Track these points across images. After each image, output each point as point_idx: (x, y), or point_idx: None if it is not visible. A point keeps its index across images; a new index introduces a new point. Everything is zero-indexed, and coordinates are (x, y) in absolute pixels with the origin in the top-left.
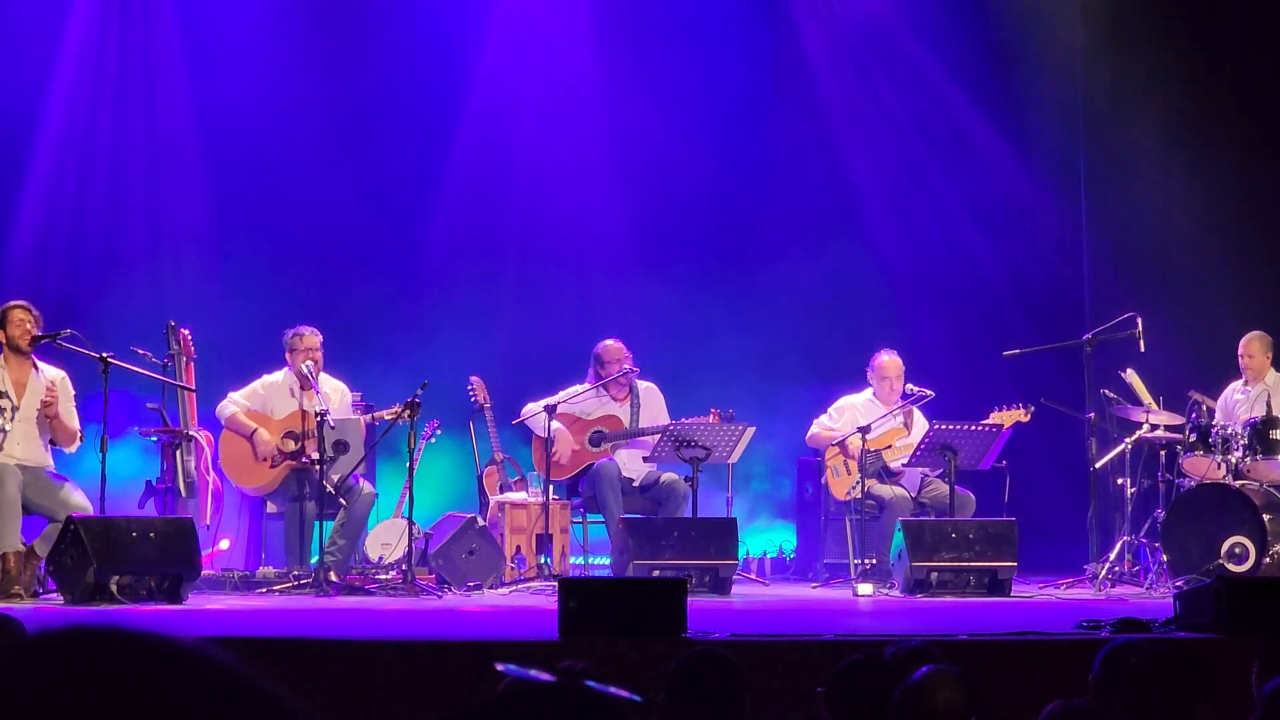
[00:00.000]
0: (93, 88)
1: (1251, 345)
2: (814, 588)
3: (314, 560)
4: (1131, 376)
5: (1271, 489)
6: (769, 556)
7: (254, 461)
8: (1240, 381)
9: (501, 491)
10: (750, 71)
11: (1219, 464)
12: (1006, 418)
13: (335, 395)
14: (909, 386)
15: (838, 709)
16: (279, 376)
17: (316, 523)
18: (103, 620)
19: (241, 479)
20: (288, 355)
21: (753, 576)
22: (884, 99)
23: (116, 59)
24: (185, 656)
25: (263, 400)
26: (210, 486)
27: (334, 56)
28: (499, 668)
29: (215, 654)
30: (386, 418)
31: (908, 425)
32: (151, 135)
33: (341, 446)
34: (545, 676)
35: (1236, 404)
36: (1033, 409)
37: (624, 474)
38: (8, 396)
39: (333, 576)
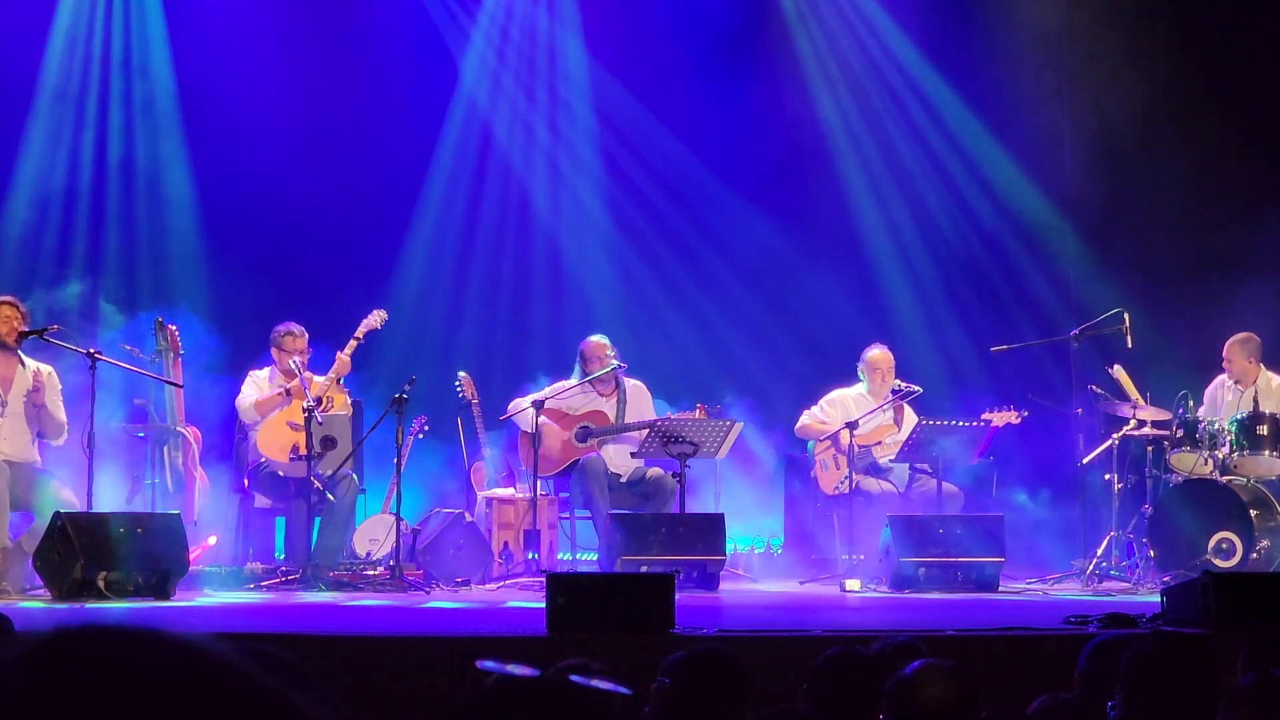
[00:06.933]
0: (81, 81)
1: (1232, 350)
2: (802, 583)
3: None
4: (1119, 372)
5: (1258, 484)
6: (757, 552)
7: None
8: (1226, 377)
9: (489, 487)
10: (739, 66)
11: (1206, 459)
12: (998, 418)
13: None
14: (897, 382)
15: (819, 703)
16: (265, 373)
17: (305, 518)
18: (102, 619)
19: (286, 458)
20: (274, 352)
21: (740, 572)
22: (868, 92)
23: (103, 52)
24: (198, 657)
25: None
26: (198, 482)
27: (321, 50)
28: (480, 665)
29: (225, 652)
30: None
31: (898, 422)
32: (139, 130)
33: (329, 442)
34: (527, 671)
35: (1226, 403)
36: (1025, 413)
37: (611, 470)
38: None
39: (321, 571)
